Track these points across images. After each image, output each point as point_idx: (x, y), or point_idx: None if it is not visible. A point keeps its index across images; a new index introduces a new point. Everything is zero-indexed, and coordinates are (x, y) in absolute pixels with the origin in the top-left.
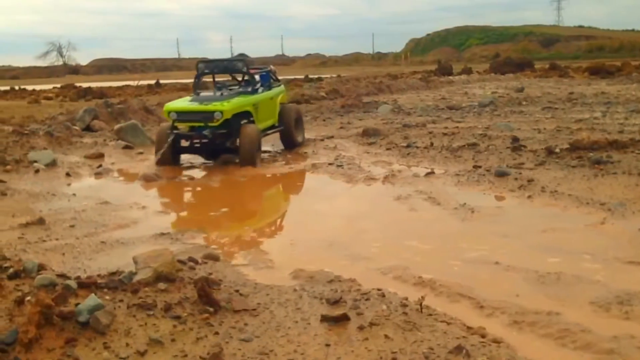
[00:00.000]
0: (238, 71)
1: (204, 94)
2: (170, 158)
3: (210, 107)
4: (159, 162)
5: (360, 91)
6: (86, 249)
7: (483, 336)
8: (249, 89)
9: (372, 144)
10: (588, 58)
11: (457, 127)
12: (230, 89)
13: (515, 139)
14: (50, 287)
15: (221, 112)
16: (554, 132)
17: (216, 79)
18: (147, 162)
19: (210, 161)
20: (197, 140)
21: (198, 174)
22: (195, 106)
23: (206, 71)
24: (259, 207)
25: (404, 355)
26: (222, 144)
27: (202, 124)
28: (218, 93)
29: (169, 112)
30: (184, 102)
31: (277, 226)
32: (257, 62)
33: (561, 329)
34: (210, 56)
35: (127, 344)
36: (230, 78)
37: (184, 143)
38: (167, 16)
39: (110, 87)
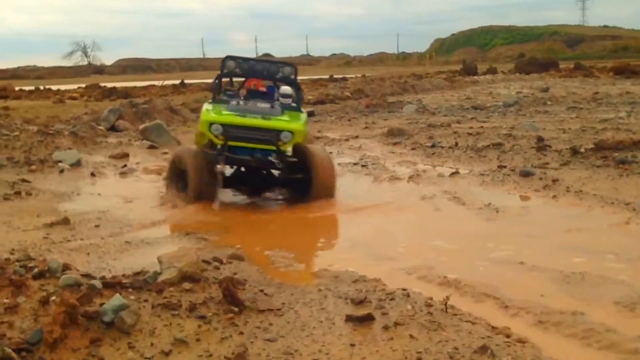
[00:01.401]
0: (282, 79)
1: (240, 103)
2: (212, 192)
3: (275, 123)
4: (200, 196)
5: (385, 91)
6: (111, 249)
7: (508, 336)
8: (275, 104)
9: (397, 144)
10: (613, 58)
11: (482, 127)
12: (254, 100)
13: (540, 139)
14: (75, 287)
15: (292, 132)
16: (578, 132)
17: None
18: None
19: (254, 198)
20: (253, 169)
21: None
22: (253, 120)
23: (237, 71)
24: (281, 207)
25: (428, 355)
26: (287, 175)
27: (260, 146)
28: (262, 104)
29: (211, 124)
30: (228, 113)
31: (301, 226)
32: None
33: (586, 328)
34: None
35: (152, 344)
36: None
37: (220, 170)
38: (192, 16)
39: (135, 87)
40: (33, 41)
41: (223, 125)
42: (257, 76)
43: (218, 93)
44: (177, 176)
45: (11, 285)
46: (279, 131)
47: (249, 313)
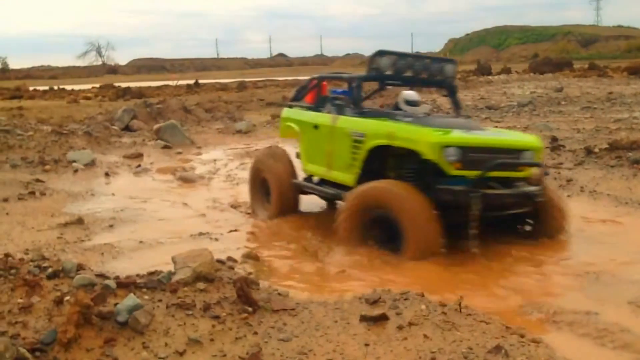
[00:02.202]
0: (441, 81)
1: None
2: (436, 247)
3: (518, 141)
4: (424, 253)
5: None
6: (125, 249)
7: (522, 336)
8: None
9: None
10: (627, 58)
11: (496, 126)
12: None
13: (554, 139)
14: (89, 287)
15: (536, 150)
16: (592, 132)
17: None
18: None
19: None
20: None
21: None
22: (494, 138)
23: (390, 72)
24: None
25: (442, 354)
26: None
27: (505, 174)
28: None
29: (445, 148)
30: (455, 131)
31: (315, 225)
32: (296, 62)
33: (600, 328)
34: (249, 56)
35: (166, 344)
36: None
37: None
38: (206, 16)
39: (149, 87)
40: (47, 41)
41: (463, 148)
42: (413, 80)
43: (360, 102)
44: (367, 223)
45: (25, 285)
46: (519, 151)
47: (263, 313)
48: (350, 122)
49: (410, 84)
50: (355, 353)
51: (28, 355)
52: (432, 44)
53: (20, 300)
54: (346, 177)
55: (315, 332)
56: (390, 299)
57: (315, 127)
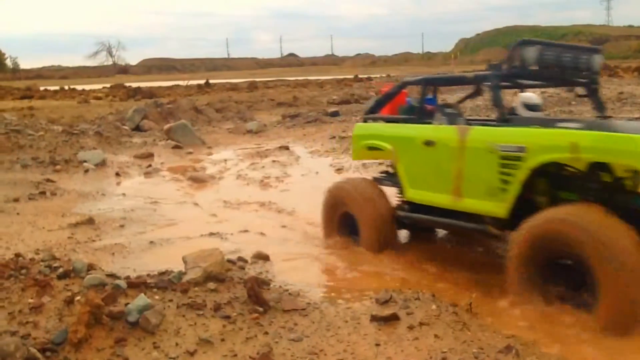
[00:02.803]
0: (583, 78)
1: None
2: None
3: None
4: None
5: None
6: (135, 249)
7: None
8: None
9: None
10: (638, 58)
11: None
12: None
13: None
14: (100, 286)
15: None
16: None
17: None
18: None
19: None
20: None
21: None
22: None
23: (534, 67)
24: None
25: (453, 354)
26: None
27: None
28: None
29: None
30: None
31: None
32: (306, 62)
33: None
34: (260, 56)
35: (177, 344)
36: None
37: None
38: (216, 16)
39: (159, 87)
40: (58, 41)
41: None
42: (557, 78)
43: (502, 107)
44: (547, 268)
45: (36, 285)
46: None
47: (273, 313)
48: (495, 134)
49: (551, 82)
50: (366, 353)
51: (39, 355)
52: (442, 44)
53: (30, 300)
54: (493, 205)
55: (326, 332)
56: (401, 299)
57: (428, 143)
